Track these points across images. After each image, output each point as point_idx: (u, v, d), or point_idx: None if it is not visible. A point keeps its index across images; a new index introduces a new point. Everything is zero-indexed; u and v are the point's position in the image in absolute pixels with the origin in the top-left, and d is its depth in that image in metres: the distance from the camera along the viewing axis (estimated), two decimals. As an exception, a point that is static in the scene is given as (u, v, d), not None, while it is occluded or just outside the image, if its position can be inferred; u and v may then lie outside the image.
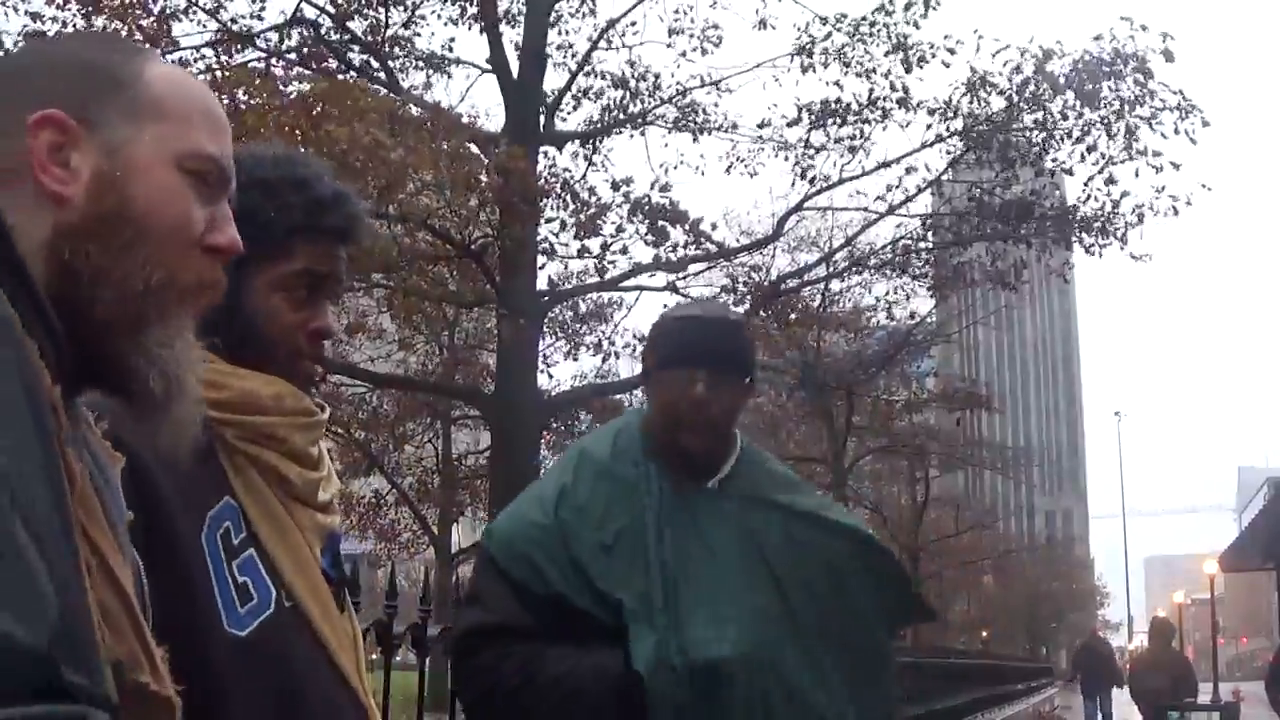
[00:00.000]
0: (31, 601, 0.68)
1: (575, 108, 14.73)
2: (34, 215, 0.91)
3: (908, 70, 13.56)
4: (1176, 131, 13.16)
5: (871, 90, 13.74)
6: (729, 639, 1.92)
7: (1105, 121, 13.39)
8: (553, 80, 14.34)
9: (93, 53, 1.01)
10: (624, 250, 13.15)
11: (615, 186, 13.19)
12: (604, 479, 2.05)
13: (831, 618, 2.01)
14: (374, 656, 2.71)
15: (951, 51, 13.49)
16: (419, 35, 14.69)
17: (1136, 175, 13.59)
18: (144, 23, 11.44)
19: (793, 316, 15.98)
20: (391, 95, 12.32)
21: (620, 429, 2.16)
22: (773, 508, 2.07)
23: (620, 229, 12.85)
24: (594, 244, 12.87)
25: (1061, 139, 13.80)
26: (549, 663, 1.94)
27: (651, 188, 13.31)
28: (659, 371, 2.08)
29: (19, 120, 0.94)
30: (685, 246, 13.45)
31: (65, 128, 0.94)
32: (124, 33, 10.92)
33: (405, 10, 14.21)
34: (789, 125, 14.10)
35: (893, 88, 13.70)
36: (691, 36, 14.88)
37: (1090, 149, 13.61)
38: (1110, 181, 13.68)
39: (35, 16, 11.81)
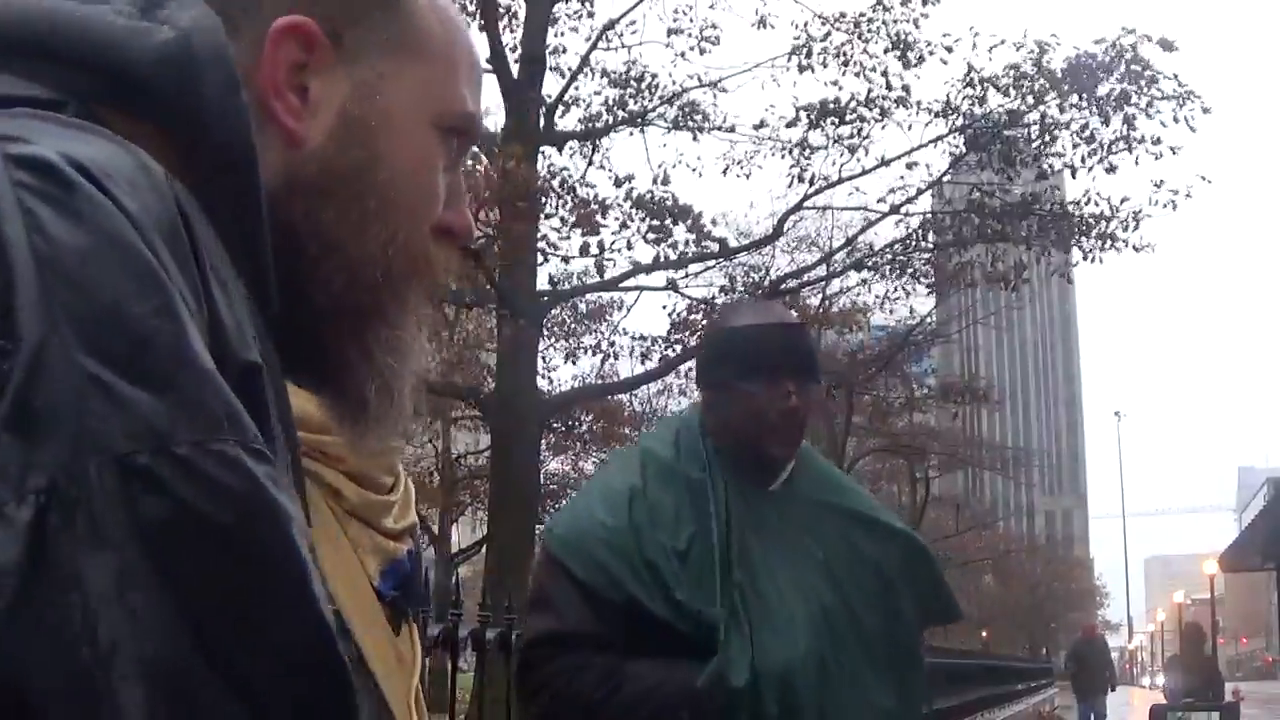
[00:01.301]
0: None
1: (574, 107, 14.74)
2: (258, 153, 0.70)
3: (906, 67, 13.56)
4: (1175, 119, 13.17)
5: (870, 90, 13.75)
6: (800, 646, 1.89)
7: (1103, 111, 13.39)
8: (552, 80, 14.35)
9: None
10: (628, 245, 13.14)
11: (618, 183, 13.19)
12: (672, 481, 2.00)
13: (881, 620, 2.00)
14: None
15: (949, 49, 13.49)
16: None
17: (1137, 163, 13.58)
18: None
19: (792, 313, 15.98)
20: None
21: (679, 428, 2.11)
22: (831, 510, 2.06)
23: (624, 224, 12.84)
24: (594, 242, 12.87)
25: (1059, 132, 13.81)
26: (630, 676, 1.86)
27: (654, 183, 13.32)
28: (741, 381, 2.02)
29: (258, 16, 0.73)
30: (687, 245, 13.45)
31: (314, 45, 0.73)
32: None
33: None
34: (788, 125, 14.10)
35: (889, 86, 13.71)
36: (690, 36, 14.90)
37: (1089, 140, 13.61)
38: (1110, 170, 13.66)
39: None
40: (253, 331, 0.59)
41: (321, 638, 0.53)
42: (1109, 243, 14.11)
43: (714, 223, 14.21)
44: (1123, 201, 13.97)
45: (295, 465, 0.62)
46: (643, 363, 16.59)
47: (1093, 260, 14.40)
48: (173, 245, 0.54)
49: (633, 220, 12.90)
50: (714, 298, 15.70)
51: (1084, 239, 14.34)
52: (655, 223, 12.79)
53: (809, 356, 2.09)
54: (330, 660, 0.54)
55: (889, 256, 16.01)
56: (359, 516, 1.34)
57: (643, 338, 16.68)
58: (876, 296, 18.10)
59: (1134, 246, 14.24)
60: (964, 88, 13.64)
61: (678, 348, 15.65)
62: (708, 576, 1.88)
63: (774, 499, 2.03)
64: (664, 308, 15.85)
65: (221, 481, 0.50)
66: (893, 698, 1.96)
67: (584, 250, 13.03)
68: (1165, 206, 13.87)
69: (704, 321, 15.96)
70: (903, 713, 1.99)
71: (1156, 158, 13.40)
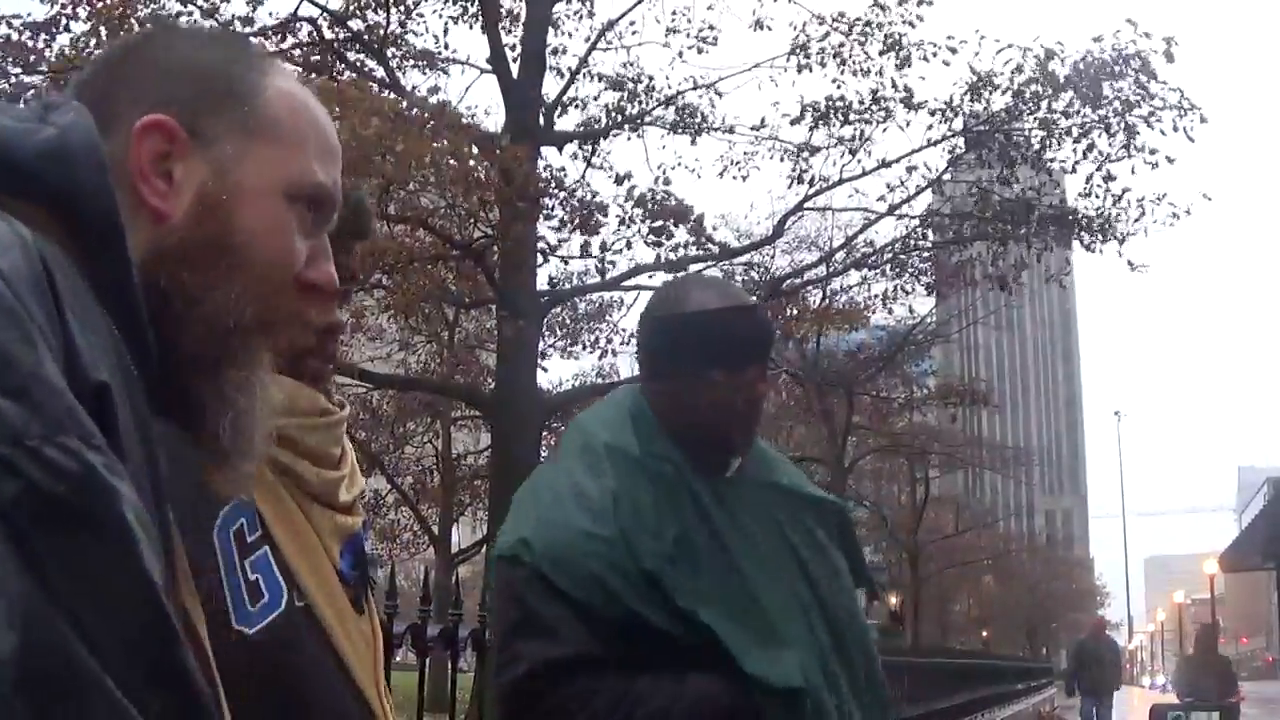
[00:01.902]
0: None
1: (574, 108, 14.74)
2: (128, 228, 0.81)
3: (899, 68, 13.57)
4: (1175, 129, 13.18)
5: (874, 91, 13.75)
6: (808, 642, 1.83)
7: (1105, 121, 13.41)
8: (552, 81, 14.36)
9: (210, 56, 0.92)
10: (628, 245, 13.15)
11: (619, 181, 13.18)
12: (642, 478, 1.85)
13: (845, 603, 1.94)
14: (374, 656, 2.72)
15: (953, 51, 13.49)
16: (418, 34, 14.69)
17: (1133, 172, 13.62)
18: (138, 17, 11.43)
19: (792, 312, 15.99)
20: (391, 96, 12.33)
21: (631, 414, 1.93)
22: (777, 491, 1.98)
23: (624, 223, 12.84)
24: (595, 242, 12.87)
25: (1061, 137, 13.81)
26: (644, 695, 1.73)
27: (656, 183, 13.32)
28: (703, 369, 1.88)
29: (125, 118, 0.86)
30: (687, 246, 13.46)
31: (174, 136, 0.86)
32: (118, 30, 10.93)
33: (404, 10, 14.22)
34: (793, 122, 14.10)
35: (894, 85, 13.71)
36: (688, 36, 14.91)
37: (1089, 148, 13.63)
38: (1109, 179, 13.69)
39: None
40: (110, 360, 0.71)
41: (149, 595, 0.65)
42: (1110, 236, 14.11)
43: (715, 227, 14.26)
44: (1124, 192, 13.98)
45: (155, 476, 0.73)
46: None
47: (1093, 250, 14.41)
48: (36, 295, 0.67)
49: (633, 221, 12.90)
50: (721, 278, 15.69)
51: (1085, 233, 14.35)
52: (656, 224, 12.79)
53: (769, 340, 2.01)
54: (156, 614, 0.66)
55: (889, 255, 16.02)
56: (319, 499, 1.38)
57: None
58: (876, 295, 18.13)
59: (1130, 264, 14.32)
60: (966, 91, 13.65)
61: None
62: (708, 578, 1.78)
63: (732, 487, 1.91)
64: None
65: (62, 465, 0.62)
66: (863, 679, 1.91)
67: (584, 250, 13.03)
68: (1164, 223, 13.96)
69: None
70: (874, 691, 1.95)
71: (1154, 167, 13.42)
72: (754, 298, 2.21)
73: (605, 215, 12.66)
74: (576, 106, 14.66)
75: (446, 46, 14.77)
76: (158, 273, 0.84)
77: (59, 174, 0.76)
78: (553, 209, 12.50)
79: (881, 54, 13.64)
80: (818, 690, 1.77)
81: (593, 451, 1.89)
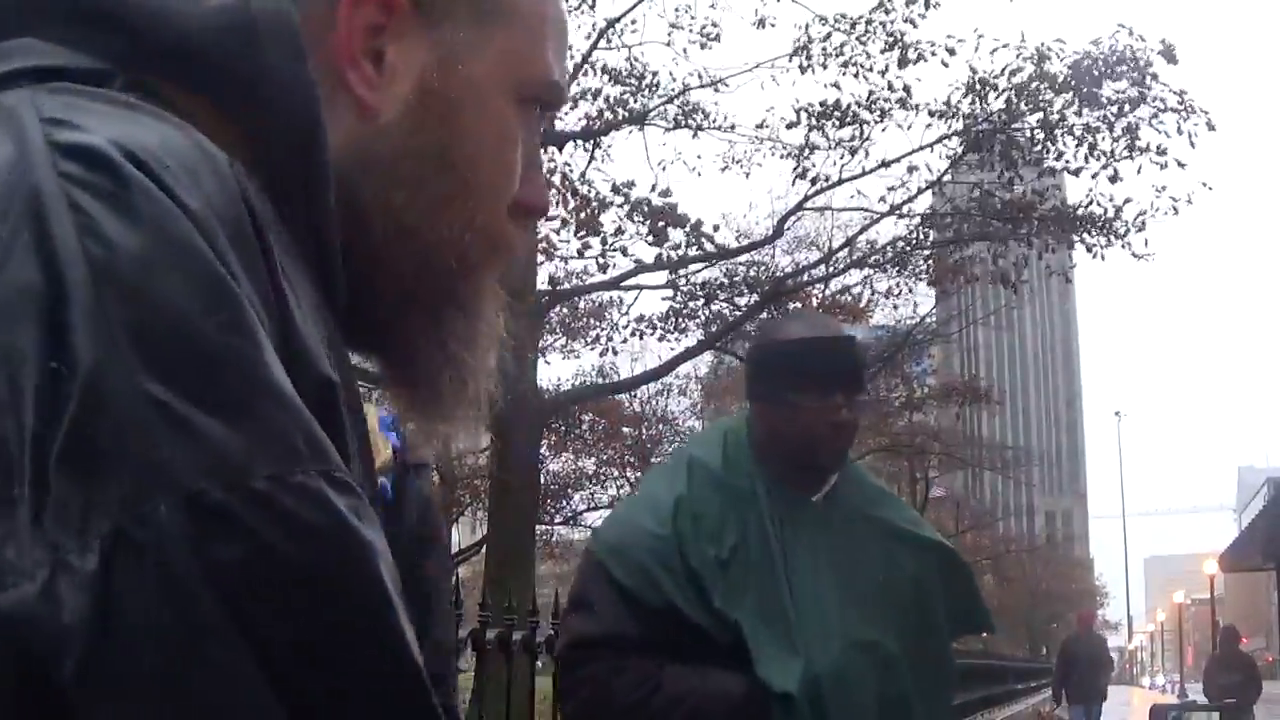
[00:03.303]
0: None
1: (575, 106, 14.72)
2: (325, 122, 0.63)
3: (902, 66, 13.56)
4: (1179, 131, 13.16)
5: (871, 93, 13.74)
6: (835, 656, 1.91)
7: (1106, 120, 13.39)
8: (553, 79, 14.34)
9: None
10: (624, 252, 13.15)
11: (616, 190, 13.17)
12: (717, 489, 2.01)
13: (914, 632, 2.02)
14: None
15: (951, 51, 13.48)
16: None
17: (1139, 172, 13.57)
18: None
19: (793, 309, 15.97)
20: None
21: (727, 433, 2.12)
22: (870, 522, 2.07)
23: (620, 230, 12.84)
24: (595, 242, 12.86)
25: (1063, 137, 13.80)
26: (667, 681, 1.89)
27: (652, 190, 13.31)
28: (793, 394, 2.03)
29: None
30: (686, 247, 13.45)
31: (394, 7, 0.67)
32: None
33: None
34: (788, 127, 14.09)
35: (891, 87, 13.70)
36: (691, 33, 14.89)
37: (1092, 148, 13.61)
38: (1114, 179, 13.66)
39: None
40: (326, 340, 0.55)
41: (415, 687, 0.49)
42: (1111, 238, 14.10)
43: (716, 229, 14.24)
44: (1125, 202, 13.98)
45: (370, 483, 0.57)
46: (643, 337, 16.63)
47: (1095, 255, 14.39)
48: (239, 247, 0.49)
49: (631, 223, 12.90)
50: (716, 289, 15.70)
51: (1086, 234, 14.33)
52: (653, 224, 12.79)
53: (858, 369, 2.14)
54: (424, 710, 0.50)
55: (889, 254, 16.00)
56: None
57: (641, 318, 16.73)
58: (877, 294, 18.11)
59: (1134, 254, 14.25)
60: (966, 91, 13.64)
61: (675, 333, 15.66)
62: (751, 585, 1.91)
63: (817, 509, 2.05)
64: (664, 300, 15.88)
65: (303, 518, 0.45)
66: (922, 707, 1.99)
67: (583, 251, 13.01)
68: (1166, 213, 13.88)
69: (704, 308, 15.97)
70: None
71: (1161, 167, 13.39)
72: (848, 331, 2.26)
73: (606, 210, 12.65)
74: (580, 101, 14.64)
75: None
76: (360, 188, 0.66)
77: (241, 56, 0.58)
78: (555, 207, 12.47)
79: (883, 51, 13.64)
80: (816, 701, 1.87)
81: (680, 464, 2.09)
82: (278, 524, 0.45)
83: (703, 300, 15.67)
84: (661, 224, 12.79)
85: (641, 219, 12.85)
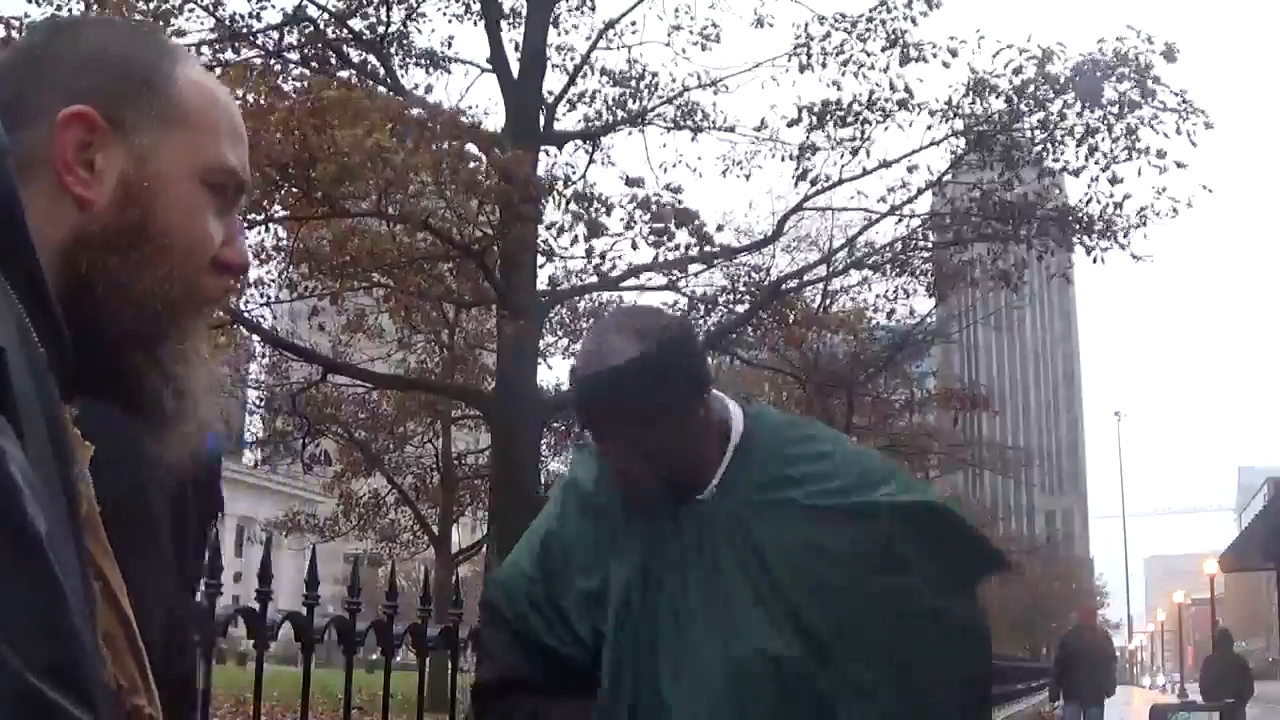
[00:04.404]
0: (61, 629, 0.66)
1: (576, 106, 14.74)
2: (50, 215, 0.86)
3: (903, 64, 13.56)
4: (1178, 132, 13.15)
5: (872, 92, 13.74)
6: (709, 683, 1.74)
7: (1106, 121, 13.38)
8: (553, 79, 14.35)
9: (125, 47, 0.95)
10: (633, 246, 13.13)
11: (630, 183, 13.13)
12: (588, 513, 1.87)
13: (862, 614, 1.75)
14: (374, 656, 2.71)
15: (953, 53, 13.48)
16: (419, 32, 14.69)
17: (1139, 174, 13.56)
18: (139, 15, 11.41)
19: (792, 318, 15.99)
20: (395, 97, 12.31)
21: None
22: (777, 506, 1.78)
23: (628, 225, 12.82)
24: (597, 244, 12.85)
25: (1063, 138, 13.79)
26: (550, 718, 1.84)
27: (660, 186, 13.31)
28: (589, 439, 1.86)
29: (44, 109, 0.89)
30: (689, 248, 13.44)
31: (95, 127, 0.89)
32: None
33: (405, 8, 14.22)
34: (789, 126, 14.09)
35: (892, 87, 13.70)
36: (690, 34, 14.91)
37: (1092, 150, 13.60)
38: (1114, 181, 13.65)
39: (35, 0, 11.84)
40: (8, 330, 0.70)
41: (29, 543, 0.63)
42: (1112, 240, 14.09)
43: (719, 228, 14.24)
44: (1125, 199, 13.96)
45: (56, 437, 0.72)
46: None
47: (1095, 259, 14.39)
48: None
49: (636, 222, 12.89)
50: (716, 295, 15.71)
51: (1086, 236, 14.32)
52: (658, 225, 12.78)
53: (622, 408, 1.72)
54: (39, 563, 0.64)
55: (889, 255, 16.00)
56: None
57: None
58: (878, 295, 18.11)
59: (1134, 255, 14.24)
60: (966, 91, 13.64)
61: None
62: (621, 616, 1.79)
63: (701, 513, 1.79)
64: (664, 304, 15.86)
65: None
66: (879, 694, 1.73)
67: (588, 255, 12.99)
68: (1166, 216, 13.87)
69: (704, 317, 15.96)
70: (916, 697, 1.76)
71: (1161, 171, 13.37)
72: (624, 354, 1.70)
73: (610, 214, 12.63)
74: (583, 102, 14.65)
75: (450, 45, 14.78)
76: (82, 258, 0.87)
77: None
78: (559, 206, 12.48)
79: (884, 50, 13.64)
80: None
81: (558, 489, 2.00)
82: None
83: (704, 309, 15.68)
84: (664, 224, 12.78)
85: (647, 217, 12.84)
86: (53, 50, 0.94)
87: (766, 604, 1.75)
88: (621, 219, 12.79)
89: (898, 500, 1.82)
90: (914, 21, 13.61)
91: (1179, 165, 13.34)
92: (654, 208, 12.65)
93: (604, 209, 12.60)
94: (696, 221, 12.83)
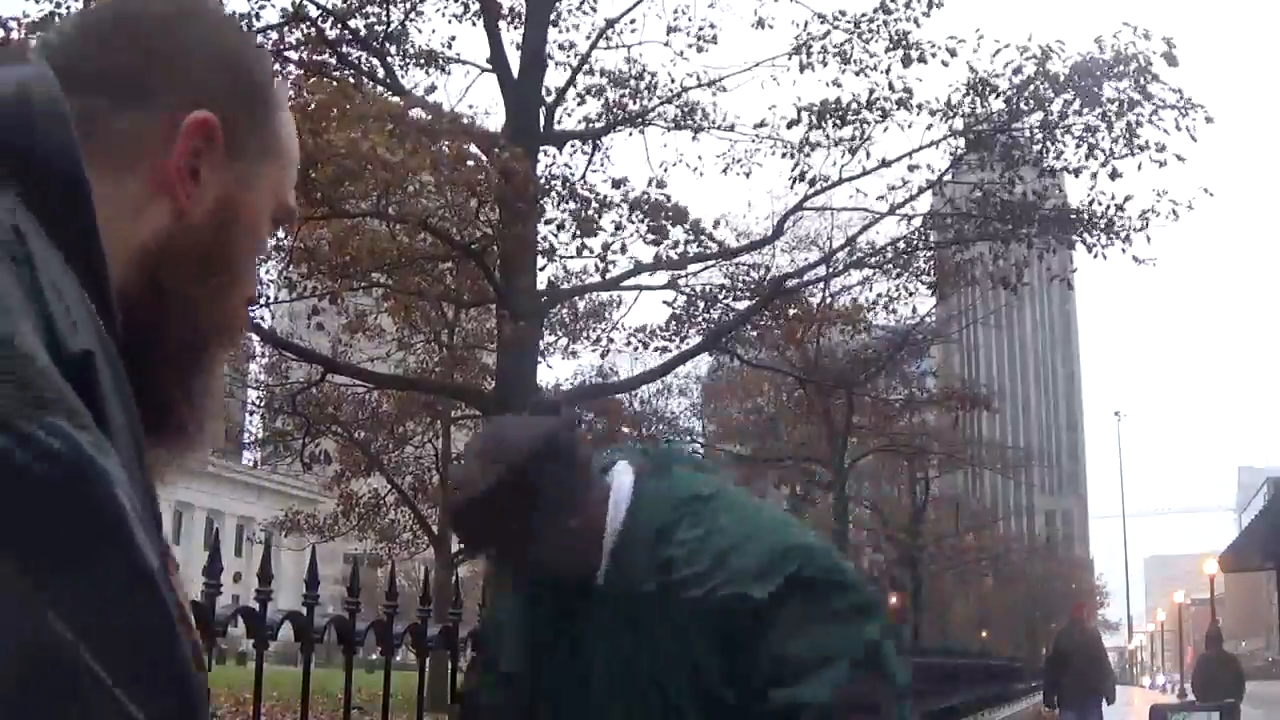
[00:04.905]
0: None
1: (576, 106, 14.73)
2: (138, 211, 0.81)
3: (906, 65, 13.54)
4: (1178, 128, 13.14)
5: (871, 92, 13.73)
6: None
7: (1106, 119, 13.37)
8: (553, 79, 14.34)
9: (253, 59, 0.90)
10: (623, 249, 13.14)
11: (616, 185, 13.18)
12: (509, 599, 1.99)
13: (730, 710, 1.70)
14: (374, 657, 2.71)
15: (953, 53, 13.47)
16: (419, 32, 14.68)
17: (1139, 169, 13.53)
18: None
19: (792, 311, 15.98)
20: (393, 99, 12.30)
21: None
22: (656, 594, 1.74)
23: (620, 227, 12.83)
24: (594, 243, 12.86)
25: (1063, 137, 13.79)
26: None
27: (650, 184, 13.30)
28: None
29: (162, 97, 0.83)
30: (686, 245, 13.44)
31: (212, 139, 0.83)
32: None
33: (405, 6, 14.21)
34: (789, 126, 14.08)
35: (892, 87, 13.69)
36: (689, 34, 14.91)
37: (1092, 149, 13.60)
38: (1114, 176, 13.64)
39: None
40: (90, 326, 0.68)
41: (145, 583, 0.61)
42: (1112, 238, 14.08)
43: (716, 225, 14.23)
44: (1126, 200, 13.96)
45: (138, 446, 0.70)
46: (645, 348, 16.59)
47: (1097, 255, 14.37)
48: (8, 259, 0.63)
49: (630, 222, 12.89)
50: (716, 292, 15.70)
51: (1087, 234, 14.31)
52: (653, 223, 12.78)
53: (485, 537, 1.80)
54: (154, 605, 0.61)
55: (890, 254, 16.00)
56: None
57: (642, 329, 16.69)
58: (879, 295, 18.10)
59: (1136, 258, 14.23)
60: (966, 91, 13.63)
61: (676, 340, 15.65)
62: (518, 705, 1.88)
63: (598, 600, 1.79)
64: (665, 302, 15.86)
65: (49, 447, 0.58)
66: None
67: (582, 252, 13.01)
68: (1167, 217, 13.88)
69: (704, 313, 15.94)
70: None
71: (1161, 165, 13.36)
72: (488, 477, 1.73)
73: (606, 211, 12.63)
74: (579, 102, 14.65)
75: (450, 46, 14.77)
76: (162, 268, 0.82)
77: (17, 129, 0.71)
78: (558, 206, 12.47)
79: (888, 51, 13.63)
80: None
81: None
82: (32, 452, 0.58)
83: (703, 305, 15.67)
84: (661, 220, 12.78)
85: (640, 216, 12.85)
86: (185, 36, 0.86)
87: (646, 692, 1.74)
88: (614, 220, 12.80)
89: (769, 592, 1.70)
90: (916, 23, 13.61)
91: (1179, 159, 13.34)
92: (646, 206, 12.66)
93: (598, 208, 12.60)
94: (690, 221, 12.85)
